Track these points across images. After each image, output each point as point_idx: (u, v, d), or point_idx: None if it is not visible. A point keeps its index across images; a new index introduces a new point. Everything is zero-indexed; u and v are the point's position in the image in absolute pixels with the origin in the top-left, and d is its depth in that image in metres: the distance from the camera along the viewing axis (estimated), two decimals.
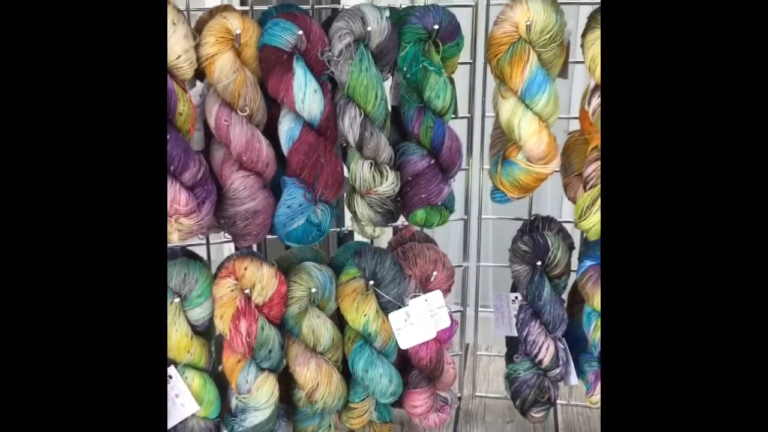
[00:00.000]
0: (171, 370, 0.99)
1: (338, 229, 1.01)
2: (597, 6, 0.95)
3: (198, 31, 0.88)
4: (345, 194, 0.98)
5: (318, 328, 1.00)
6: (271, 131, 0.91)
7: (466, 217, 1.19)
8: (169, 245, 0.96)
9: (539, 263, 1.05)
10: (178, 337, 0.97)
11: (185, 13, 0.95)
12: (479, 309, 1.24)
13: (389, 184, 0.92)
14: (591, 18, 0.95)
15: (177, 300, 0.95)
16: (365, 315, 1.00)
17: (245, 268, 0.95)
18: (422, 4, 0.94)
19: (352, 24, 0.87)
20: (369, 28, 0.87)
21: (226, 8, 0.89)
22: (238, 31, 0.85)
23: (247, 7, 0.96)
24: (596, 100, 0.95)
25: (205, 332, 1.02)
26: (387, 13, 0.92)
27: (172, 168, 0.85)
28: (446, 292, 1.07)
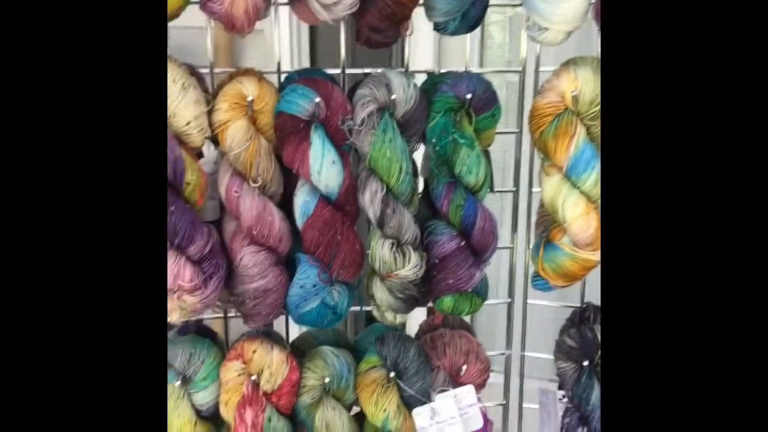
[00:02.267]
0: None
1: (357, 308, 0.92)
2: None
3: (216, 94, 0.83)
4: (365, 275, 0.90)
5: (332, 421, 0.90)
6: (287, 203, 0.84)
7: (510, 300, 1.08)
8: (183, 319, 0.89)
9: (587, 362, 0.92)
10: (180, 423, 0.89)
11: (210, 73, 0.91)
12: (524, 404, 1.11)
13: (412, 268, 0.83)
14: None
15: (178, 383, 0.87)
16: (385, 410, 0.89)
17: (254, 351, 0.87)
18: (458, 71, 0.86)
19: (376, 91, 0.80)
20: (394, 96, 0.80)
21: (246, 72, 0.83)
22: (251, 98, 0.79)
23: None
24: None
25: (212, 417, 0.93)
26: (416, 80, 0.84)
27: (176, 241, 0.79)
28: (480, 387, 0.96)
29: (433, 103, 0.83)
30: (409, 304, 0.87)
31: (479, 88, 0.82)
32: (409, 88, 0.81)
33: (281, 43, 0.97)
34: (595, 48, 0.88)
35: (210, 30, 0.88)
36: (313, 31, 1.92)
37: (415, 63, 0.92)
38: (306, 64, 1.86)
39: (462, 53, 0.95)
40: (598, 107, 0.82)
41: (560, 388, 1.02)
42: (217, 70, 0.89)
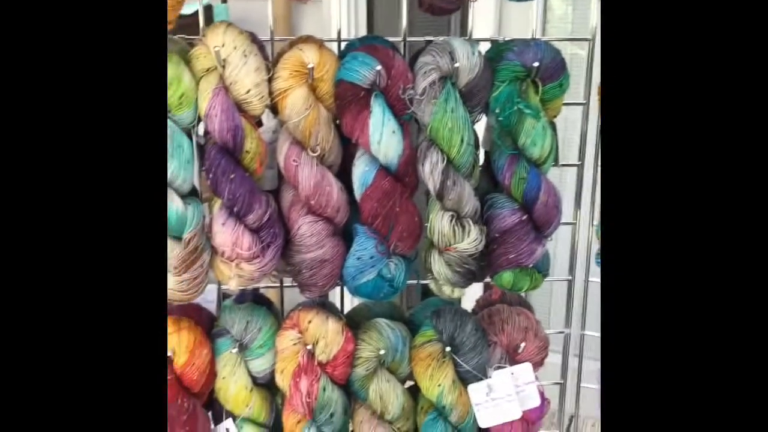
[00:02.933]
0: (228, 424, 0.92)
1: (414, 281, 0.91)
2: None
3: (276, 62, 0.81)
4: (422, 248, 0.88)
5: (387, 393, 0.89)
6: (346, 174, 0.83)
7: (570, 278, 1.05)
8: (241, 287, 0.90)
9: None
10: (237, 390, 0.90)
11: (271, 42, 0.90)
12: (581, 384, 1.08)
13: (471, 241, 0.80)
14: None
15: (235, 350, 0.88)
16: (440, 384, 0.88)
17: (309, 321, 0.87)
18: (523, 40, 0.83)
19: (439, 59, 0.78)
20: (457, 65, 0.77)
21: (307, 40, 0.82)
22: (311, 65, 0.77)
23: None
24: None
25: (268, 385, 0.94)
26: (481, 48, 0.81)
27: (235, 209, 0.79)
28: (538, 365, 0.94)
29: (498, 71, 0.80)
30: (467, 278, 0.85)
31: (547, 57, 0.79)
32: (473, 56, 0.78)
33: (339, 12, 0.95)
34: None
35: (270, 1, 0.86)
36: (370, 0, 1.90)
37: (475, 32, 0.89)
38: (363, 33, 1.84)
39: (522, 23, 0.92)
40: None
41: None
42: (277, 38, 0.88)
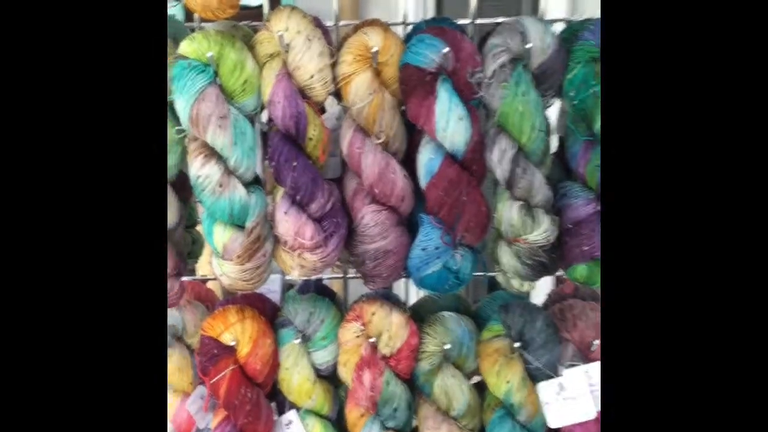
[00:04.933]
0: (291, 415, 0.91)
1: (481, 274, 0.87)
2: None
3: (341, 46, 0.79)
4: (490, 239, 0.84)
5: (452, 389, 0.86)
6: (410, 162, 0.80)
7: None
8: (303, 277, 0.88)
9: None
10: (300, 381, 0.88)
11: (335, 27, 0.88)
12: None
13: (542, 232, 0.76)
14: None
15: (298, 341, 0.87)
16: (508, 382, 0.84)
17: (373, 314, 0.85)
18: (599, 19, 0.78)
19: (510, 40, 0.74)
20: (529, 45, 0.73)
21: (371, 23, 0.79)
22: (376, 49, 0.75)
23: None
24: None
25: (331, 377, 0.93)
26: (555, 28, 0.77)
27: (298, 197, 0.78)
28: None
29: (573, 52, 0.75)
30: (538, 271, 0.81)
31: None
32: (547, 36, 0.73)
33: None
34: None
35: None
36: None
37: (548, 12, 0.85)
38: (432, 9, 1.80)
39: (597, 1, 0.86)
40: None
41: None
42: (342, 23, 0.86)
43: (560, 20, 0.83)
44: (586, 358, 0.87)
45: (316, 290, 0.94)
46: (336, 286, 1.02)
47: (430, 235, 0.79)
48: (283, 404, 0.93)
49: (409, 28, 0.85)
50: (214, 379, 0.86)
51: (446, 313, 0.88)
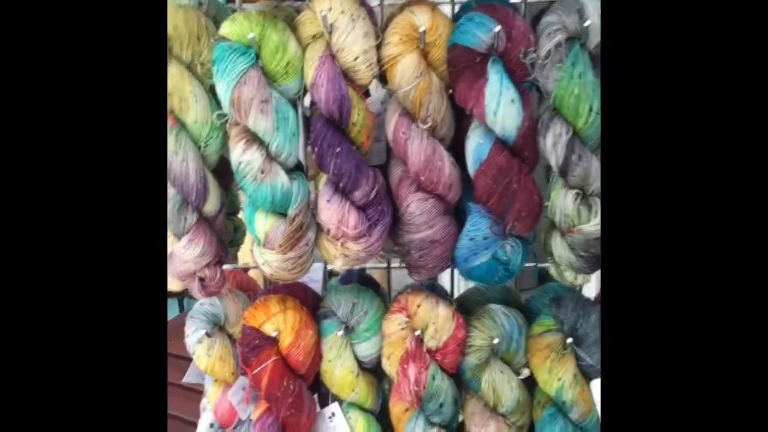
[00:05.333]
0: (334, 407, 0.89)
1: (532, 265, 0.83)
2: None
3: (385, 27, 0.76)
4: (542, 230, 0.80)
5: (500, 385, 0.83)
6: (458, 148, 0.77)
7: None
8: (346, 267, 0.86)
9: None
10: (343, 373, 0.86)
11: (380, 6, 0.85)
12: None
13: (598, 223, 0.72)
14: None
15: (341, 332, 0.84)
16: (560, 378, 0.81)
17: (418, 305, 0.82)
18: None
19: (566, 18, 0.69)
20: (587, 23, 0.69)
21: (418, 2, 0.76)
22: (423, 29, 0.71)
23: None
24: None
25: (375, 370, 0.90)
26: None
27: (341, 185, 0.75)
28: None
29: None
30: (593, 263, 0.76)
31: None
32: None
33: None
34: None
35: None
36: None
37: None
38: None
39: None
40: None
41: None
42: (387, 2, 0.83)
43: None
44: None
45: (359, 280, 0.92)
46: (378, 276, 0.99)
47: (478, 225, 0.76)
48: (325, 396, 0.91)
49: (457, 7, 0.81)
50: (256, 370, 0.85)
51: (495, 306, 0.84)
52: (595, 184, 0.73)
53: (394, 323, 0.83)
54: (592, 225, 0.73)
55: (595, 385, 0.81)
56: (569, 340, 0.80)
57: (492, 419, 0.84)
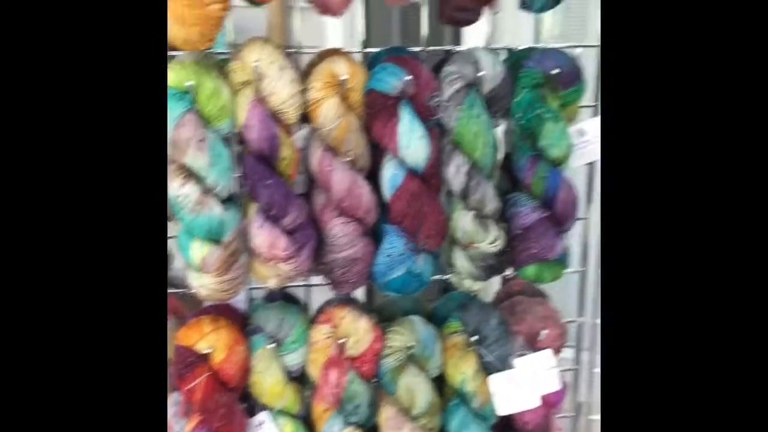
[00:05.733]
0: (263, 416, 0.97)
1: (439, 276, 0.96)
2: None
3: (306, 73, 0.86)
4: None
5: (415, 387, 0.94)
6: (374, 177, 0.88)
7: (583, 269, 1.10)
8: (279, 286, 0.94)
9: None
10: (272, 384, 0.94)
11: (295, 56, 0.94)
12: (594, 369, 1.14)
13: (493, 239, 0.86)
14: None
15: (271, 346, 0.93)
16: (463, 373, 0.93)
17: (342, 318, 0.92)
18: (542, 47, 0.87)
19: (464, 68, 0.82)
20: (481, 73, 0.82)
21: (335, 52, 0.86)
22: (344, 77, 0.82)
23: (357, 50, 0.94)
24: None
25: (300, 378, 0.99)
26: (503, 56, 0.86)
27: (272, 213, 0.84)
28: (557, 351, 0.99)
29: (519, 78, 0.85)
30: (489, 272, 0.90)
31: (565, 64, 0.84)
32: (497, 65, 0.83)
33: (333, 21, 0.99)
34: None
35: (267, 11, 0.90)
36: (367, 8, 1.92)
37: (468, 42, 0.93)
38: (360, 41, 1.87)
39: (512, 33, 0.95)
40: None
41: None
42: (305, 51, 0.93)
43: (504, 48, 0.92)
44: (534, 348, 0.97)
45: (283, 298, 1.00)
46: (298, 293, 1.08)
47: (394, 243, 0.87)
48: (254, 406, 0.98)
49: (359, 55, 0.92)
50: (190, 386, 0.91)
51: (413, 316, 0.95)
52: (490, 206, 0.86)
53: (320, 332, 0.92)
54: (488, 241, 0.86)
55: (492, 378, 0.94)
56: (473, 338, 0.93)
57: (406, 424, 0.94)
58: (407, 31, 0.93)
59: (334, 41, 0.95)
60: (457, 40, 0.91)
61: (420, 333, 0.93)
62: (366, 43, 0.96)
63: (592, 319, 1.12)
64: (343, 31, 1.88)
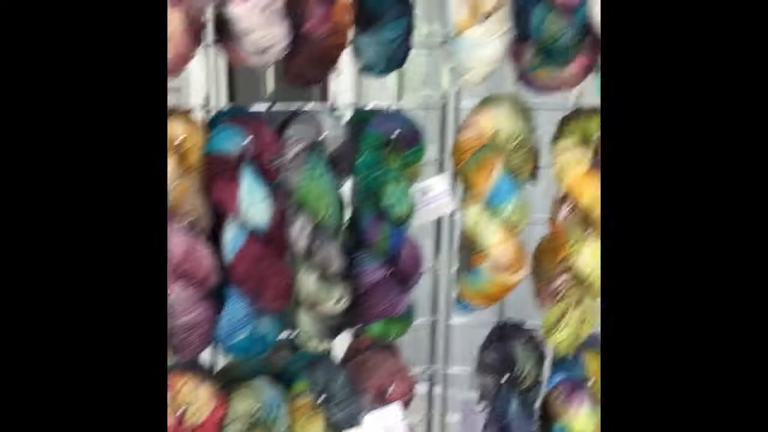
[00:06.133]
0: None
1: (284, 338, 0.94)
2: (568, 112, 0.91)
3: None
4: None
5: None
6: (216, 236, 0.85)
7: (434, 318, 1.12)
8: None
9: (506, 377, 0.98)
10: None
11: None
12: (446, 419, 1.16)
13: (337, 298, 0.85)
14: (562, 124, 0.90)
15: None
16: None
17: (183, 385, 0.87)
18: (383, 108, 0.89)
19: (306, 130, 0.82)
20: (323, 135, 0.82)
21: (172, 112, 0.83)
22: (180, 138, 0.79)
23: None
24: (565, 210, 0.90)
25: None
26: (346, 117, 0.86)
27: None
28: (407, 404, 1.00)
29: (362, 140, 0.85)
30: (334, 331, 0.89)
31: (406, 126, 0.86)
32: (338, 127, 0.83)
33: (198, 75, 0.96)
34: (509, 84, 0.93)
35: None
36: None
37: (337, 96, 0.94)
38: (224, 97, 1.82)
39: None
40: (515, 142, 0.87)
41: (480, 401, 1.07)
42: None
43: (346, 106, 0.92)
44: (383, 403, 0.97)
45: None
46: None
47: (237, 306, 0.84)
48: None
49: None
50: None
51: (258, 379, 0.92)
52: (334, 266, 0.86)
53: None
54: (333, 300, 0.85)
55: None
56: (321, 399, 0.91)
57: None
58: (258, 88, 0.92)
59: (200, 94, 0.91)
60: (324, 94, 0.90)
61: (265, 396, 0.90)
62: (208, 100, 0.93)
63: (442, 368, 1.14)
64: (206, 83, 1.82)
